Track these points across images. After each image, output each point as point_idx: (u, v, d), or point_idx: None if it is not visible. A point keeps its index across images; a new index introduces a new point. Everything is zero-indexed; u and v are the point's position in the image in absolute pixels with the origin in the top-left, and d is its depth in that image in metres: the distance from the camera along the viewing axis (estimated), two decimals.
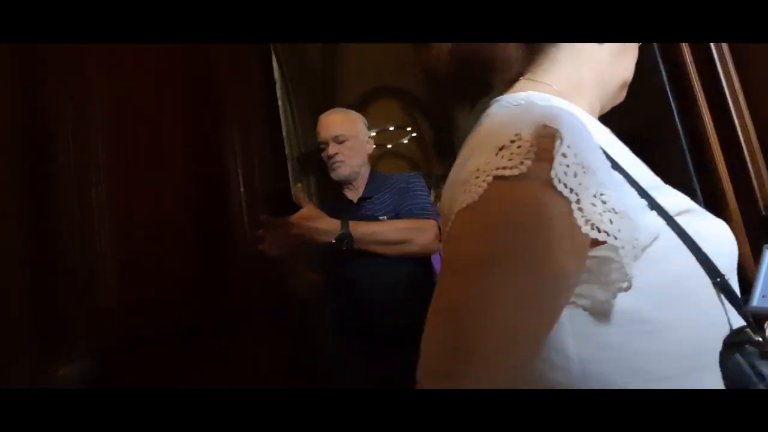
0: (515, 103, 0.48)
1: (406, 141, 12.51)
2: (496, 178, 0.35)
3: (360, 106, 12.02)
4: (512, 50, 0.51)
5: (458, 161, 0.48)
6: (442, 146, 11.94)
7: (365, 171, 1.55)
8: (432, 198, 2.35)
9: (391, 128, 11.12)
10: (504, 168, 0.35)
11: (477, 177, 0.37)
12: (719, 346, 0.39)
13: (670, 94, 1.11)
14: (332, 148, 1.44)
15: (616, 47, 0.51)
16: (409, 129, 11.59)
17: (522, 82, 0.52)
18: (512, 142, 0.36)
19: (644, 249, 0.39)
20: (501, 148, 0.37)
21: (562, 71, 0.50)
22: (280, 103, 11.63)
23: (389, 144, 12.66)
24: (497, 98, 0.51)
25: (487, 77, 0.52)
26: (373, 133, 11.84)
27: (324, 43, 9.85)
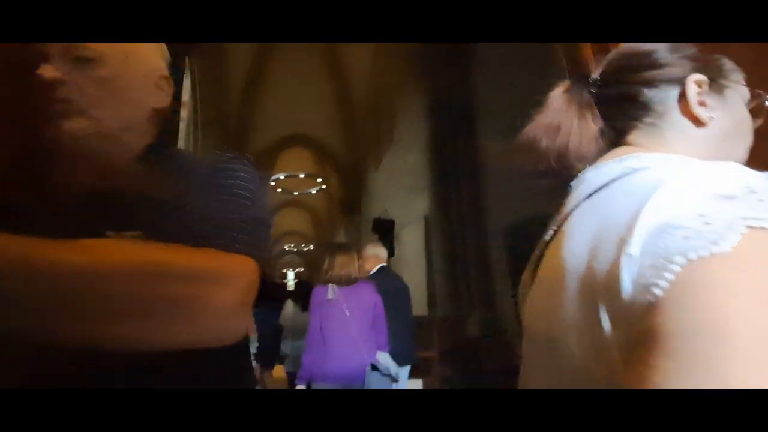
0: (667, 160, 0.43)
1: (313, 192, 12.34)
2: (748, 227, 0.32)
3: (273, 150, 11.79)
4: (590, 143, 0.50)
5: (596, 219, 0.41)
6: (348, 204, 12.04)
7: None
8: (325, 266, 2.05)
9: (302, 175, 10.92)
10: (754, 218, 0.33)
11: (707, 223, 0.33)
12: None
13: None
14: (51, 70, 0.54)
15: (725, 129, 0.49)
16: (319, 180, 11.49)
17: (636, 148, 0.48)
18: (745, 193, 0.34)
19: None
20: (731, 198, 0.34)
21: (672, 147, 0.47)
22: (183, 141, 10.51)
23: (296, 191, 12.37)
24: (633, 155, 0.45)
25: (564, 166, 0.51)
26: (282, 177, 11.52)
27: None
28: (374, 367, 1.93)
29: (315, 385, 1.92)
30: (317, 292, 2.05)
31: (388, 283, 2.32)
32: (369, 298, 2.04)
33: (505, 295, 4.03)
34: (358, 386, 1.88)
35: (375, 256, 2.51)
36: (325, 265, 2.07)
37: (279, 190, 12.23)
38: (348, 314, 1.94)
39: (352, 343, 1.91)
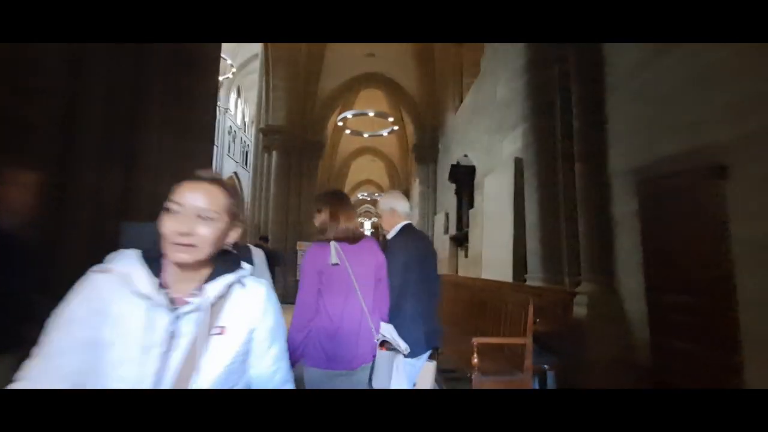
0: None
1: (384, 134, 11.36)
2: None
3: (345, 87, 10.99)
4: None
5: None
6: (424, 150, 11.02)
7: None
8: (323, 218, 1.72)
9: (371, 113, 9.97)
10: None
11: None
12: None
13: None
14: None
15: None
16: (390, 120, 10.46)
17: None
18: None
19: None
20: None
21: None
22: (258, 76, 10.25)
23: (366, 133, 11.51)
24: None
25: None
26: (349, 116, 10.74)
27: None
28: (381, 343, 1.68)
29: (316, 369, 1.58)
30: (316, 253, 1.61)
31: (410, 245, 1.91)
32: (372, 258, 1.70)
33: (629, 262, 2.90)
34: (367, 366, 1.65)
35: (391, 211, 2.00)
36: (323, 217, 1.67)
37: (347, 131, 11.50)
38: (355, 283, 1.61)
39: (363, 318, 1.62)
